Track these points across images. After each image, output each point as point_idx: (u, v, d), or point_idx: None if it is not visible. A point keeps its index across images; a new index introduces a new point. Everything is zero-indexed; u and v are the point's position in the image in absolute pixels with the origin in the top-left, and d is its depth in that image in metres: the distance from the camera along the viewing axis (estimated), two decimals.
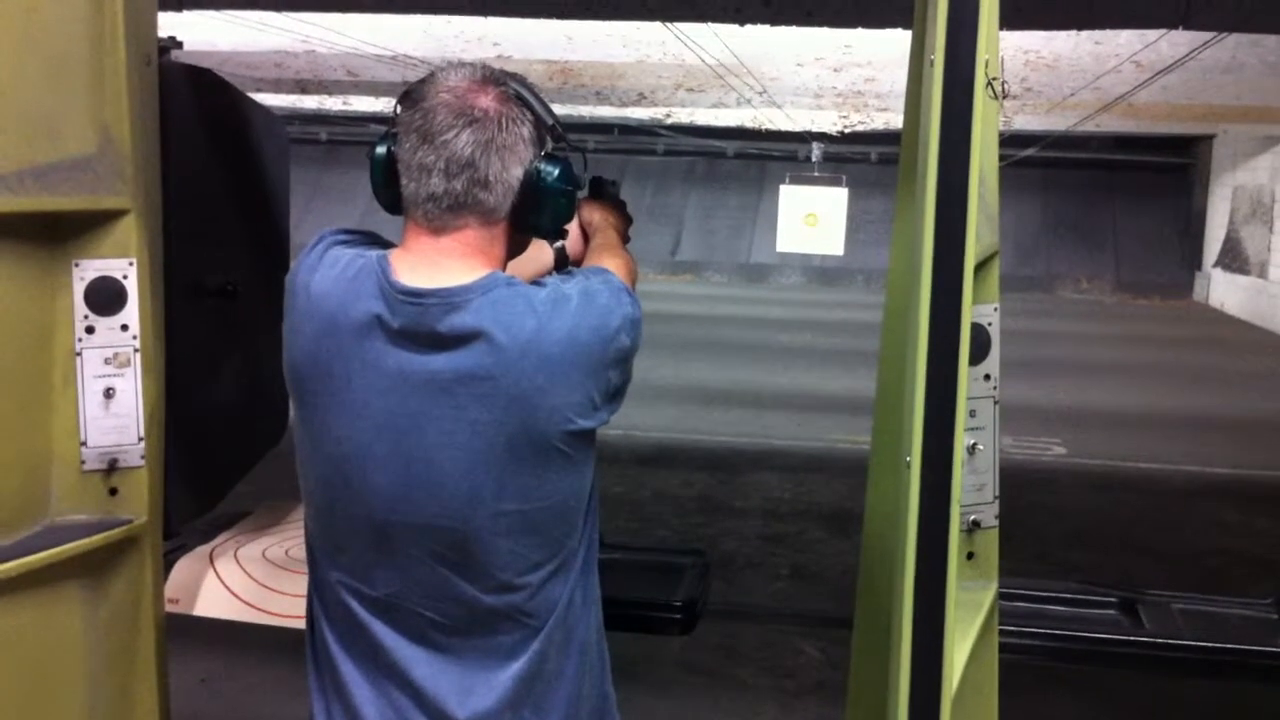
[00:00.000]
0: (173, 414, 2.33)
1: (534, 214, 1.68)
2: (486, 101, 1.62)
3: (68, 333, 2.08)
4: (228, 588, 2.70)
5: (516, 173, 1.64)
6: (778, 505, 7.03)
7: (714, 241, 21.90)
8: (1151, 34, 7.14)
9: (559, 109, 1.75)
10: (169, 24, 3.00)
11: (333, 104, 15.82)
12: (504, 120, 1.62)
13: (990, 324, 1.94)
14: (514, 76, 1.69)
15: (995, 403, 1.97)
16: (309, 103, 15.55)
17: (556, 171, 1.67)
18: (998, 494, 1.98)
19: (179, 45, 2.53)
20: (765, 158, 21.15)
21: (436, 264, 1.61)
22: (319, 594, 1.74)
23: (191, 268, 2.64)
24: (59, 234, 2.06)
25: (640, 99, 13.45)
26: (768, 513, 6.87)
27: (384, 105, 14.60)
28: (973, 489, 1.92)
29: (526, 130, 1.65)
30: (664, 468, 7.78)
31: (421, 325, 1.58)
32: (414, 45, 9.11)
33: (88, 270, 2.09)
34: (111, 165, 2.08)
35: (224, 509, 2.99)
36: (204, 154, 2.71)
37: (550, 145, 1.70)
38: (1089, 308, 18.85)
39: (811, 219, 14.38)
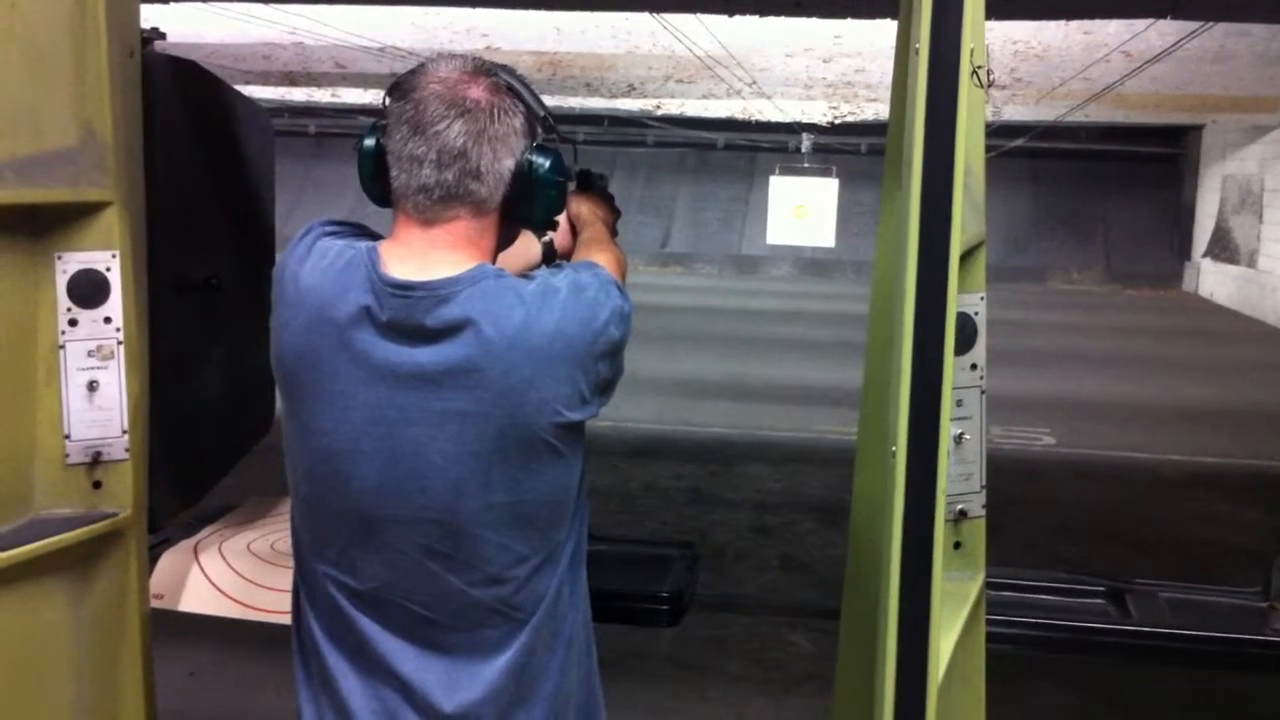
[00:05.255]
0: (157, 407, 2.32)
1: (525, 205, 1.68)
2: (478, 92, 1.62)
3: (50, 326, 2.07)
4: (213, 583, 2.70)
5: (508, 164, 1.63)
6: (768, 497, 7.03)
7: (704, 233, 21.89)
8: (1140, 24, 7.15)
9: (548, 100, 1.74)
10: (161, 17, 2.99)
11: (321, 96, 15.80)
12: (496, 111, 1.62)
13: (976, 313, 1.94)
14: (504, 68, 1.68)
15: (982, 392, 1.97)
16: (298, 95, 15.54)
17: (548, 163, 1.67)
18: (984, 483, 1.98)
19: (162, 36, 2.52)
20: (755, 149, 21.13)
21: (426, 256, 1.61)
22: (305, 587, 1.74)
23: (175, 260, 2.63)
24: (41, 226, 2.05)
25: (630, 90, 13.45)
26: (758, 504, 6.87)
27: (373, 97, 14.57)
28: (959, 478, 1.92)
29: (518, 121, 1.65)
30: (654, 459, 7.77)
31: (410, 319, 1.57)
32: (402, 37, 9.10)
33: (70, 263, 2.08)
34: (94, 157, 2.07)
35: (209, 503, 2.98)
36: (188, 146, 2.70)
37: (541, 136, 1.69)
38: (1079, 298, 18.87)
39: (801, 210, 14.39)
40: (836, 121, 17.19)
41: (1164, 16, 5.50)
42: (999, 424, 8.40)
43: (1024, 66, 9.86)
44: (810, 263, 20.67)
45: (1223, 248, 18.56)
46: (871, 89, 12.23)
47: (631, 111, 17.53)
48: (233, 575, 2.72)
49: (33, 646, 2.03)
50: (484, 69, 1.65)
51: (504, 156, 1.63)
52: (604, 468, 7.29)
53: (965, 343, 1.91)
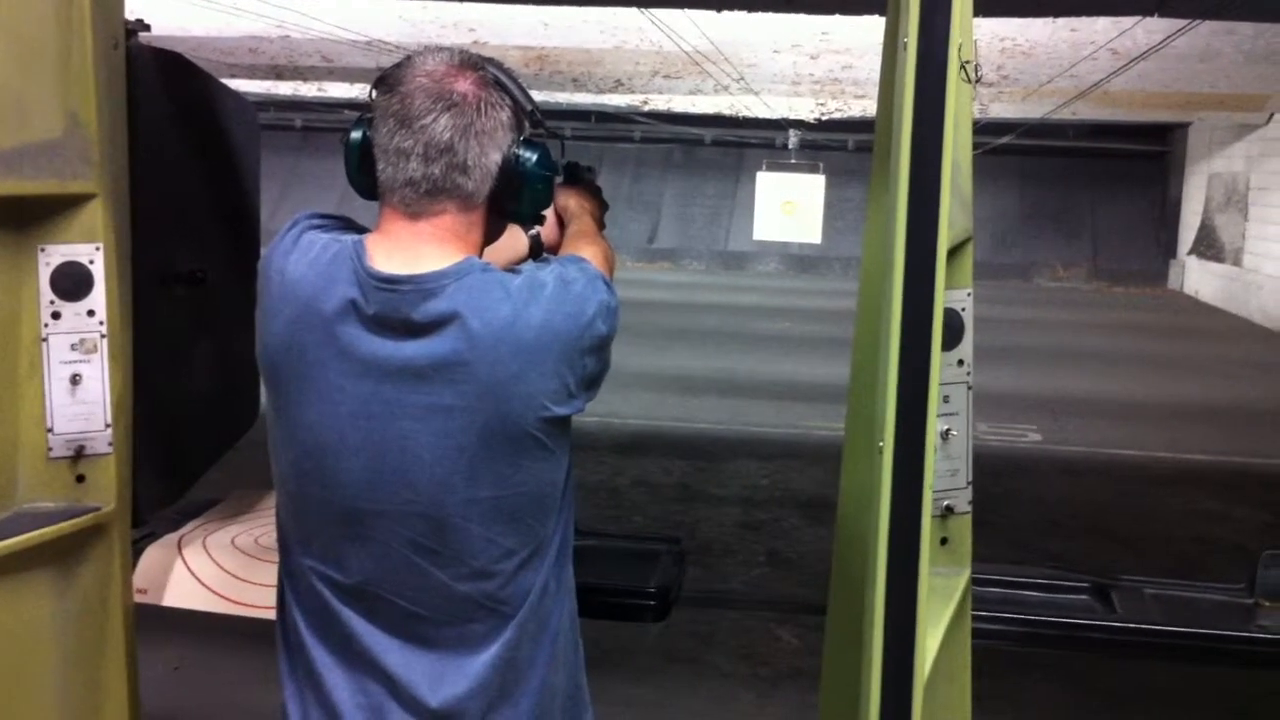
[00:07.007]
0: (141, 401, 2.31)
1: (512, 199, 1.67)
2: (465, 86, 1.61)
3: (33, 319, 2.05)
4: (196, 578, 2.69)
5: (495, 158, 1.63)
6: (755, 492, 7.04)
7: (691, 229, 21.89)
8: (1127, 21, 7.16)
9: (536, 95, 1.74)
10: (146, 9, 2.98)
11: (308, 90, 15.74)
12: (483, 105, 1.62)
13: (964, 309, 1.94)
14: (491, 61, 1.68)
15: (969, 388, 1.97)
16: (284, 89, 15.47)
17: (535, 157, 1.67)
18: (971, 479, 1.98)
19: (146, 28, 2.51)
20: (743, 145, 21.14)
21: (413, 249, 1.61)
22: (290, 581, 1.73)
23: (160, 253, 2.62)
24: (24, 218, 2.04)
25: (617, 85, 13.43)
26: (745, 500, 6.88)
27: (359, 91, 14.52)
28: (946, 474, 1.92)
29: (505, 115, 1.64)
30: (642, 455, 7.77)
31: (396, 312, 1.57)
32: (389, 31, 9.07)
33: (53, 255, 2.06)
34: (78, 149, 2.06)
35: (194, 496, 2.97)
36: (173, 138, 2.69)
37: (528, 130, 1.69)
38: (1065, 295, 18.92)
39: (789, 206, 14.40)
40: (824, 118, 17.17)
41: (1151, 14, 5.51)
42: (985, 420, 8.41)
43: (1011, 64, 9.87)
44: (797, 258, 20.69)
45: (1208, 245, 18.62)
46: (859, 85, 12.23)
47: (619, 107, 17.50)
48: (217, 570, 2.71)
49: (16, 641, 2.02)
50: (471, 63, 1.65)
51: (491, 150, 1.63)
52: (591, 462, 7.29)
53: (952, 338, 1.91)
